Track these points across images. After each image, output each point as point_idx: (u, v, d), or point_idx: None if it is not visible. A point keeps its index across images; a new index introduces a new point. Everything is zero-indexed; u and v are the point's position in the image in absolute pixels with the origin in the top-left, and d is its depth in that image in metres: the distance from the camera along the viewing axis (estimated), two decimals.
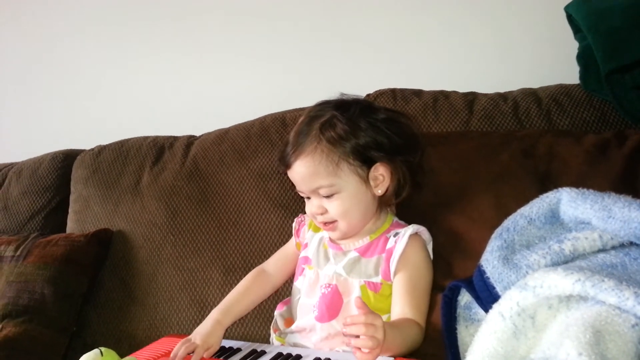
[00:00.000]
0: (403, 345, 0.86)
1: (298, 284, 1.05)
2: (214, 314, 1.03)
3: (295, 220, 1.13)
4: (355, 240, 1.01)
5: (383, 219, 1.03)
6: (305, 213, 1.11)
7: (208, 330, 0.98)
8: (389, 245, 0.97)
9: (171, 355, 0.93)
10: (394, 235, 0.98)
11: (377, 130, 0.95)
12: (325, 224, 0.98)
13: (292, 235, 1.14)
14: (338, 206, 0.95)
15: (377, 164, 0.95)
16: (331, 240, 1.04)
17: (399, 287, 0.94)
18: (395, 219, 1.04)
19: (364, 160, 0.95)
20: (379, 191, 0.97)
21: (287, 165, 0.97)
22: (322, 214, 0.97)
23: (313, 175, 0.94)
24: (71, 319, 1.32)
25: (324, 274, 1.00)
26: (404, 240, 0.95)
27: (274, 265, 1.13)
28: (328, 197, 0.95)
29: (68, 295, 1.32)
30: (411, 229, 0.97)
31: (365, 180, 0.96)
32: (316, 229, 1.08)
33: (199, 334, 0.97)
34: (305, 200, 1.00)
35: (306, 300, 1.01)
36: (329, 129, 0.94)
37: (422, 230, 0.98)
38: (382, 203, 1.00)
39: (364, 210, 0.98)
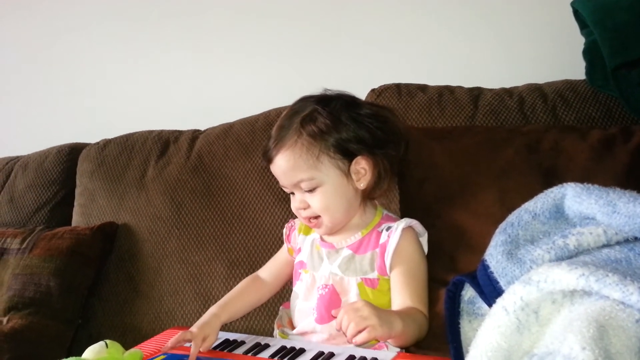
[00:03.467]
0: (416, 332, 0.87)
1: (296, 288, 1.05)
2: (212, 309, 1.03)
3: (285, 226, 1.13)
4: (346, 237, 1.00)
5: (371, 213, 1.02)
6: (294, 218, 1.11)
7: (204, 320, 0.99)
8: (382, 239, 0.97)
9: (167, 344, 0.94)
10: (387, 230, 0.97)
11: (358, 124, 0.95)
12: (309, 220, 0.98)
13: None
14: (320, 200, 0.95)
15: (358, 158, 0.95)
16: (322, 239, 1.03)
17: (397, 281, 0.93)
18: (385, 212, 1.04)
19: (345, 153, 0.94)
20: (361, 185, 0.97)
21: (269, 160, 0.97)
22: (305, 208, 0.97)
23: (294, 169, 0.94)
24: (76, 312, 1.33)
25: (320, 275, 1.00)
26: (397, 234, 0.95)
27: (268, 272, 1.12)
28: (310, 191, 0.95)
29: (73, 287, 1.33)
30: (404, 222, 0.97)
31: (347, 174, 0.95)
32: (307, 232, 1.07)
33: (195, 325, 0.97)
34: (290, 196, 1.00)
35: (304, 304, 1.01)
36: (310, 122, 0.94)
37: (415, 223, 0.98)
38: (365, 197, 1.00)
39: (347, 204, 0.97)
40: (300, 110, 0.97)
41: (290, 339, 1.01)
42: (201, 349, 0.94)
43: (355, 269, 0.97)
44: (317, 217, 0.97)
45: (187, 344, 0.94)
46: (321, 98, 0.99)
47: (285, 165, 0.95)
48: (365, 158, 0.95)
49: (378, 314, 0.81)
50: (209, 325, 0.97)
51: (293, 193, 0.99)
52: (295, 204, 0.98)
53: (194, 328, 0.96)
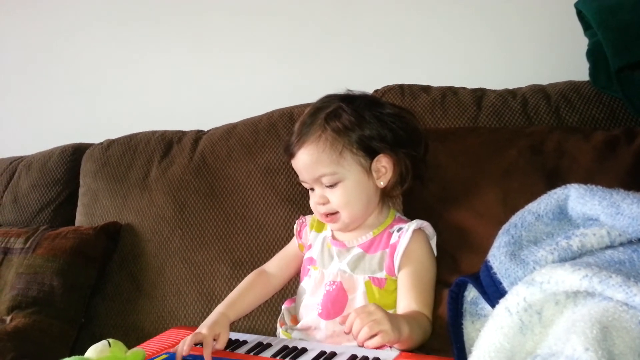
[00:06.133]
0: (421, 336, 0.87)
1: (304, 284, 1.05)
2: (218, 308, 1.02)
3: (296, 222, 1.14)
4: (358, 236, 1.01)
5: (385, 213, 1.03)
6: (305, 215, 1.12)
7: (213, 320, 0.97)
8: (393, 240, 0.97)
9: (178, 346, 0.92)
10: (397, 231, 0.98)
11: (381, 122, 0.97)
12: (326, 215, 0.99)
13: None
14: (340, 196, 0.96)
15: (380, 156, 0.97)
16: (334, 237, 1.04)
17: (404, 282, 0.94)
18: (398, 214, 1.05)
19: (367, 151, 0.96)
20: (381, 183, 0.98)
21: (292, 154, 0.99)
22: (324, 204, 0.97)
23: (316, 163, 0.95)
24: (79, 311, 1.34)
25: (329, 272, 1.01)
26: (408, 235, 0.95)
27: (275, 266, 1.12)
28: (331, 186, 0.96)
29: (77, 287, 1.33)
30: (415, 224, 0.97)
31: (368, 171, 0.97)
32: (319, 229, 1.08)
33: (204, 325, 0.95)
34: (310, 192, 1.01)
35: (310, 299, 1.01)
36: (334, 118, 0.96)
37: (426, 225, 0.99)
38: (385, 195, 1.01)
39: (366, 201, 0.98)
40: (325, 106, 0.99)
41: (294, 334, 1.01)
42: (217, 346, 0.92)
43: (364, 268, 0.98)
44: (334, 213, 0.98)
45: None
46: (345, 96, 1.01)
47: (308, 159, 0.96)
48: (387, 156, 0.97)
49: (389, 319, 0.80)
50: (218, 324, 0.95)
51: (312, 189, 0.99)
52: (314, 199, 0.99)
53: (203, 329, 0.94)
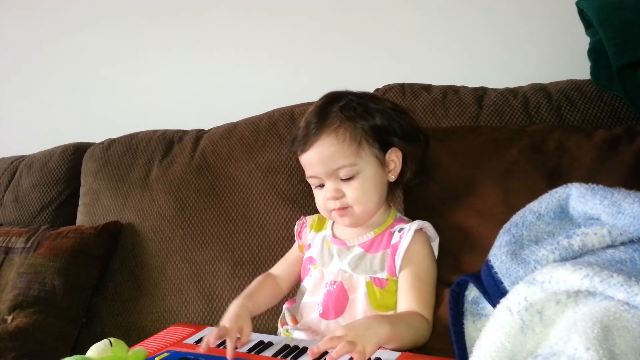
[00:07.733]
0: (411, 335, 0.86)
1: (305, 283, 1.04)
2: (237, 301, 0.98)
3: (297, 223, 1.12)
4: (359, 235, 1.00)
5: (387, 212, 1.03)
6: (306, 215, 1.12)
7: (236, 312, 0.93)
8: (394, 240, 0.97)
9: (203, 342, 0.89)
10: (399, 231, 0.97)
11: (389, 116, 0.98)
12: (337, 210, 0.96)
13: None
14: (357, 189, 0.94)
15: (392, 149, 0.97)
16: (334, 236, 1.03)
17: (404, 283, 0.93)
18: (399, 214, 1.04)
19: (382, 143, 0.96)
20: (392, 177, 0.98)
21: (304, 149, 0.96)
22: (338, 198, 0.95)
23: (335, 155, 0.93)
24: (81, 310, 1.34)
25: (329, 272, 1.00)
26: (409, 236, 0.95)
27: (281, 270, 1.11)
28: (347, 179, 0.94)
29: (78, 286, 1.33)
30: (416, 224, 0.97)
31: (383, 164, 0.97)
32: (318, 229, 1.07)
33: (226, 320, 0.91)
34: (316, 190, 0.99)
35: (310, 298, 1.01)
36: (350, 110, 0.96)
37: (427, 226, 0.98)
38: (391, 190, 1.01)
39: (380, 195, 0.98)
40: (335, 100, 0.98)
41: (295, 334, 1.00)
42: (242, 340, 0.89)
43: (365, 268, 0.97)
44: (345, 207, 0.96)
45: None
46: (350, 92, 1.01)
47: (327, 150, 0.94)
48: (398, 150, 0.97)
49: (364, 329, 0.79)
50: (241, 317, 0.92)
51: (321, 185, 0.97)
52: (327, 193, 0.96)
53: (226, 322, 0.90)
